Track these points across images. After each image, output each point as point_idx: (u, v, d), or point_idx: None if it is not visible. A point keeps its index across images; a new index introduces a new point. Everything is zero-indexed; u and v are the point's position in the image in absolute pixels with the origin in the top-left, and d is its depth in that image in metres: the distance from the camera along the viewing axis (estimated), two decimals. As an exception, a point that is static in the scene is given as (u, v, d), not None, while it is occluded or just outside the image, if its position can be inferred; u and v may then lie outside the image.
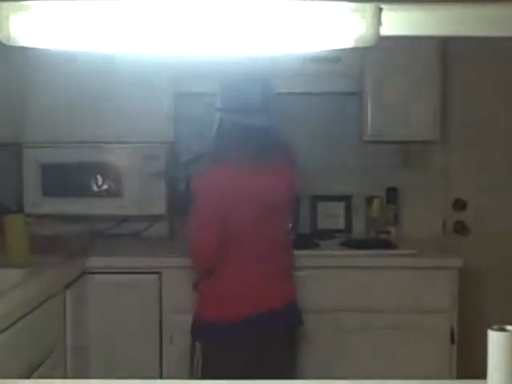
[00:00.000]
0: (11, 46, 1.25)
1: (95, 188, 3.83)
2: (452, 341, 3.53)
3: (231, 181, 2.81)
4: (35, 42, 1.23)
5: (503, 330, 1.61)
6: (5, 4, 1.13)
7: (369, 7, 1.15)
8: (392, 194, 4.03)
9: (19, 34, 1.19)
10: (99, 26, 1.18)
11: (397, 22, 1.31)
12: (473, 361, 3.41)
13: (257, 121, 2.91)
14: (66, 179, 3.82)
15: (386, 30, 1.26)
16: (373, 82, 3.79)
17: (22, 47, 1.27)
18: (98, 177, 3.83)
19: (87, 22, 1.18)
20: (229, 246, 2.84)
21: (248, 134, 2.89)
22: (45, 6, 1.15)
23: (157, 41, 1.17)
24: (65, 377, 3.07)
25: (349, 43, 1.23)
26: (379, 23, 1.21)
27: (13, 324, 2.54)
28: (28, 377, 2.61)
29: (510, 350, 1.59)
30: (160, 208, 3.83)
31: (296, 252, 3.20)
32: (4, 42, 1.18)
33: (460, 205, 4.14)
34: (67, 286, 3.24)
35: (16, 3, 1.12)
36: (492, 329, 1.61)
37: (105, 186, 3.83)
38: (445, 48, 3.81)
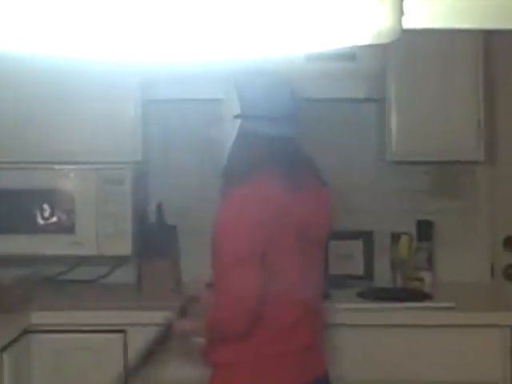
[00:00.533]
0: None
1: (41, 221, 3.85)
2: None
3: (270, 206, 2.71)
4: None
5: None
6: None
7: (388, -5, 1.19)
8: (424, 229, 4.03)
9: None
10: (56, 24, 1.22)
11: (423, 12, 1.35)
12: None
13: (287, 131, 2.85)
14: (4, 210, 3.84)
15: (410, 22, 1.29)
16: (397, 86, 3.80)
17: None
18: (46, 206, 3.84)
19: (40, 19, 1.21)
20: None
21: (280, 147, 2.81)
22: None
23: (125, 39, 1.19)
24: None
25: (365, 39, 1.26)
26: (401, 13, 1.24)
27: None
28: None
29: None
30: (125, 247, 3.85)
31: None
32: None
33: (512, 244, 4.17)
34: (4, 348, 3.25)
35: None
36: None
37: (54, 219, 3.85)
38: (490, 45, 3.83)
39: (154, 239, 3.95)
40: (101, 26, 1.15)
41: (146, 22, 1.12)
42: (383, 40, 1.26)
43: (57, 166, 3.84)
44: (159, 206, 4.02)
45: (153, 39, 1.17)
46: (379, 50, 3.50)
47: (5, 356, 3.25)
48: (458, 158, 3.91)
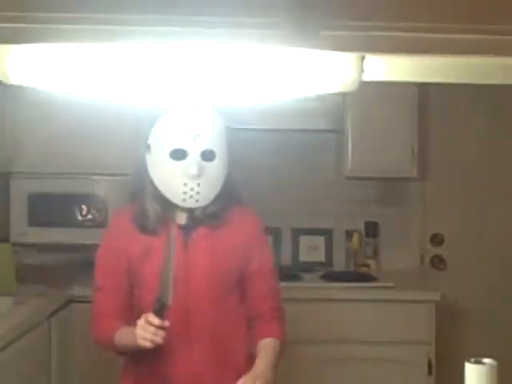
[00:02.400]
0: (3, 84, 1.28)
1: (80, 218, 3.83)
2: (429, 372, 3.54)
3: None
4: (29, 81, 1.25)
5: (480, 362, 1.62)
6: (2, 47, 1.15)
7: (353, 56, 1.18)
8: (371, 227, 4.06)
9: (14, 74, 1.22)
10: (87, 71, 1.21)
11: (377, 69, 1.35)
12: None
13: None
14: (52, 209, 3.82)
15: (368, 76, 1.29)
16: (352, 120, 3.81)
17: (14, 85, 1.29)
18: (83, 207, 3.83)
19: (74, 67, 1.20)
20: None
21: None
22: (38, 51, 1.18)
23: (144, 87, 1.19)
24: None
25: (335, 88, 1.26)
26: (362, 70, 1.24)
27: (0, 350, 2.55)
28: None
29: (486, 383, 1.61)
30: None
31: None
32: (1, 80, 1.20)
33: (437, 239, 4.17)
34: (52, 315, 3.23)
35: (13, 46, 1.14)
36: (469, 361, 1.62)
37: (89, 216, 3.83)
38: (424, 90, 3.86)
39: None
40: (123, 78, 1.15)
41: (160, 79, 1.12)
42: (348, 89, 1.27)
43: (94, 177, 3.84)
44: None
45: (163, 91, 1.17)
46: (340, 94, 3.52)
47: (53, 320, 3.24)
48: (397, 175, 3.94)
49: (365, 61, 1.24)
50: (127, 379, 2.29)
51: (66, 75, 1.17)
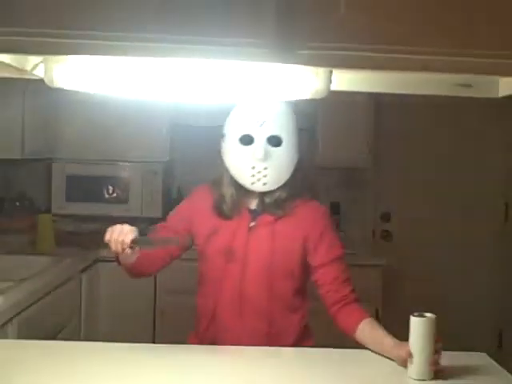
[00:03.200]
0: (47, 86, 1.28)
1: (107, 195, 3.84)
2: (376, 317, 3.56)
3: None
4: (69, 85, 1.26)
5: (423, 316, 1.63)
6: (50, 57, 1.16)
7: (322, 70, 1.20)
8: (335, 207, 4.06)
9: (58, 79, 1.23)
10: (119, 77, 1.22)
11: (343, 81, 1.36)
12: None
13: None
14: (85, 188, 3.82)
15: (335, 86, 1.31)
16: (322, 121, 3.80)
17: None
18: (110, 187, 3.84)
19: (108, 73, 1.21)
20: None
21: None
22: (79, 60, 1.19)
23: (159, 89, 1.20)
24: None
25: (306, 95, 1.28)
26: (330, 81, 1.26)
27: (40, 299, 2.55)
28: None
29: (428, 334, 1.61)
30: (157, 211, 3.84)
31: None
32: (48, 84, 1.21)
33: (386, 217, 4.20)
34: (83, 271, 3.24)
35: (58, 56, 1.15)
36: (413, 315, 1.62)
37: (114, 194, 3.84)
38: (377, 95, 3.85)
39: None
40: (145, 80, 1.16)
41: (172, 81, 1.13)
42: (318, 96, 1.28)
43: (119, 162, 3.84)
44: (179, 188, 4.01)
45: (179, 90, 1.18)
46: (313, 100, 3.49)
47: (83, 275, 3.24)
48: (356, 165, 3.95)
49: (332, 74, 1.26)
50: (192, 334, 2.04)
51: (99, 80, 1.19)
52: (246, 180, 1.90)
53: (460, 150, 4.15)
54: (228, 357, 1.81)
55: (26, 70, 1.23)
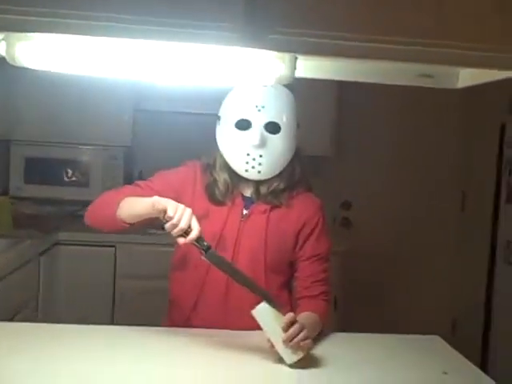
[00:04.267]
0: (6, 63, 1.26)
1: (66, 178, 3.79)
2: (335, 308, 3.60)
3: None
4: (32, 63, 1.25)
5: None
6: (12, 34, 1.14)
7: (287, 56, 1.20)
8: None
9: (21, 57, 1.21)
10: (82, 56, 1.21)
11: (307, 69, 1.37)
12: (352, 321, 3.52)
13: None
14: (44, 170, 3.77)
15: (300, 73, 1.32)
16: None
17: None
18: (69, 170, 3.79)
19: (71, 51, 1.20)
20: None
21: None
22: (41, 38, 1.17)
23: (123, 69, 1.20)
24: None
25: (271, 81, 1.29)
26: (294, 68, 1.27)
27: (-3, 282, 2.51)
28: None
29: (267, 320, 1.55)
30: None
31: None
32: (10, 62, 1.19)
33: (346, 205, 4.25)
34: (41, 254, 3.20)
35: (20, 34, 1.14)
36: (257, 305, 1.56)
37: (74, 178, 3.80)
38: (341, 85, 3.87)
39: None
40: (112, 59, 1.16)
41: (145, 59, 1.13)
42: (282, 82, 1.29)
43: (79, 146, 3.80)
44: (140, 172, 3.99)
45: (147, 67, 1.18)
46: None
47: (41, 258, 3.20)
48: (318, 154, 3.94)
49: (297, 61, 1.27)
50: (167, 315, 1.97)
51: (62, 59, 1.18)
52: (239, 167, 1.81)
53: (420, 139, 4.22)
54: (203, 338, 1.75)
55: (-13, 47, 1.20)
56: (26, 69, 1.30)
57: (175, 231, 1.59)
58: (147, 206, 1.65)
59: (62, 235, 3.46)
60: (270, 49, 1.08)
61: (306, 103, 3.87)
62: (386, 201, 4.20)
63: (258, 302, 1.64)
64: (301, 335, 1.54)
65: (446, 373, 1.62)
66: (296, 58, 1.26)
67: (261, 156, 1.78)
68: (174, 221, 1.58)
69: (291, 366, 1.55)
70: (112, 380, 1.43)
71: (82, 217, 3.97)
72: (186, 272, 1.87)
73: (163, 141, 3.99)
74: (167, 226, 1.60)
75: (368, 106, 4.12)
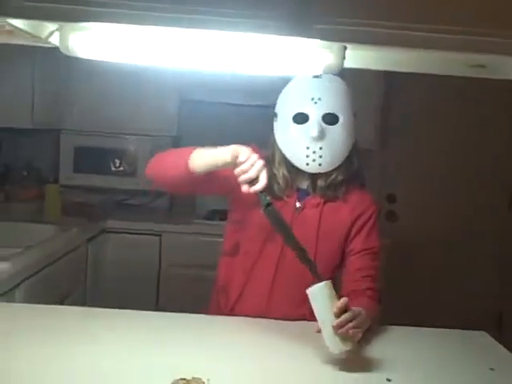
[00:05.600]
0: (61, 53, 1.28)
1: (113, 168, 3.86)
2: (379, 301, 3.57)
3: None
4: (85, 53, 1.27)
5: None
6: (66, 24, 1.17)
7: (336, 45, 1.19)
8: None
9: (75, 47, 1.23)
10: (132, 44, 1.22)
11: (356, 59, 1.36)
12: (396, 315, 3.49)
13: None
14: (92, 159, 3.84)
15: (348, 64, 1.31)
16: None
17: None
18: (116, 160, 3.85)
19: (124, 41, 1.22)
20: None
21: None
22: (95, 28, 1.19)
23: (173, 57, 1.21)
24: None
25: (319, 70, 1.28)
26: (343, 57, 1.25)
27: (47, 266, 2.58)
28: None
29: (323, 302, 1.48)
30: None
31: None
32: (63, 52, 1.22)
33: (391, 198, 4.21)
34: (89, 241, 3.27)
35: (74, 24, 1.16)
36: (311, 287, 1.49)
37: (121, 168, 3.85)
38: (387, 77, 3.81)
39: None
40: (162, 48, 1.17)
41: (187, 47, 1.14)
42: (330, 72, 1.28)
43: (127, 136, 3.85)
44: (185, 164, 4.02)
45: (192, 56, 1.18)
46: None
47: (89, 245, 3.27)
48: (362, 146, 3.90)
49: (346, 51, 1.26)
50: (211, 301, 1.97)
51: (115, 49, 1.20)
52: (300, 161, 1.78)
53: (469, 133, 4.14)
54: (246, 326, 1.76)
55: (41, 38, 1.23)
56: (78, 59, 1.32)
57: (243, 178, 1.58)
58: (225, 153, 1.63)
59: (110, 223, 3.52)
60: (318, 38, 1.07)
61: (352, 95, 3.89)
62: (432, 194, 4.14)
63: (303, 293, 1.60)
64: (352, 323, 1.48)
65: (492, 369, 1.59)
66: (345, 48, 1.25)
67: (321, 148, 1.76)
68: (245, 167, 1.58)
69: (335, 355, 1.50)
70: (148, 364, 1.45)
71: (129, 206, 4.08)
72: (236, 258, 1.87)
73: (208, 131, 4.00)
74: (237, 170, 1.60)
75: (414, 98, 4.06)
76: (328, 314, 1.47)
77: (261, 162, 1.59)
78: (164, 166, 1.81)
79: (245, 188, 1.59)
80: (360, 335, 1.56)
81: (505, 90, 3.51)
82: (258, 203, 1.60)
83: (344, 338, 1.47)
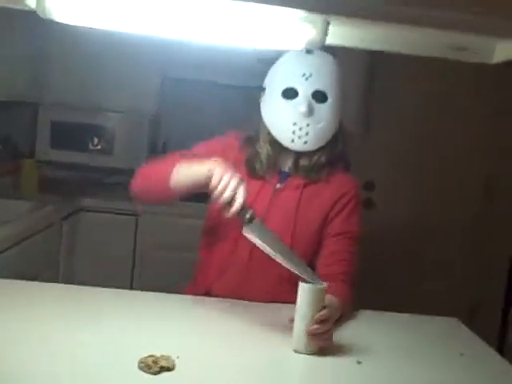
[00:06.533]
0: (42, 20, 1.25)
1: (91, 146, 3.81)
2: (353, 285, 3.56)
3: None
4: (62, 17, 1.23)
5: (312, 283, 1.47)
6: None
7: (319, 18, 1.18)
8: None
9: (52, 10, 1.20)
10: (114, 10, 1.19)
11: (338, 36, 1.34)
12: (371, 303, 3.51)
13: None
14: (70, 135, 3.78)
15: (331, 40, 1.29)
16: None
17: (51, 22, 1.26)
18: (95, 138, 3.80)
19: (106, 6, 1.19)
20: None
21: None
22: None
23: (157, 24, 1.18)
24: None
25: (300, 45, 1.26)
26: (326, 33, 1.24)
27: (19, 242, 2.54)
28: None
29: (310, 302, 1.45)
30: (141, 164, 3.81)
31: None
32: (40, 15, 1.18)
33: (369, 186, 4.21)
34: (64, 219, 3.23)
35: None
36: (302, 282, 1.47)
37: (99, 146, 3.81)
38: (370, 60, 3.78)
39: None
40: (145, 15, 1.14)
41: (171, 16, 1.11)
42: (312, 46, 1.27)
43: (106, 112, 3.80)
44: (164, 143, 3.99)
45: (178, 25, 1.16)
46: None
47: (64, 223, 3.23)
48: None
49: (329, 26, 1.24)
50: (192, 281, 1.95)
51: (93, 12, 1.16)
52: (285, 137, 1.77)
53: (451, 119, 4.15)
54: (220, 306, 1.76)
55: (18, -1, 1.19)
56: (58, 29, 1.29)
57: (220, 202, 1.52)
58: (201, 174, 1.57)
59: (86, 201, 3.48)
60: (300, 8, 1.05)
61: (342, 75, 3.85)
62: (411, 182, 4.15)
63: (280, 275, 1.63)
64: (326, 334, 1.47)
65: (462, 354, 1.60)
66: (328, 23, 1.23)
67: (308, 125, 1.74)
68: (220, 190, 1.51)
69: (295, 351, 1.48)
70: (117, 341, 1.43)
71: (106, 184, 4.03)
72: (216, 239, 1.85)
73: (190, 111, 3.98)
74: (213, 196, 1.53)
75: (397, 87, 4.06)
76: (309, 316, 1.46)
77: (235, 180, 1.52)
78: (147, 185, 1.79)
79: (226, 213, 1.52)
80: (330, 342, 1.51)
81: (485, 80, 3.52)
82: (238, 223, 1.53)
83: (311, 341, 1.46)
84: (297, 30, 1.20)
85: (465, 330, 1.82)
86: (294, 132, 1.74)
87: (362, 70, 3.77)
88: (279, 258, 1.52)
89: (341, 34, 1.27)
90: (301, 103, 1.73)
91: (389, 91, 4.08)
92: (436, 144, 4.17)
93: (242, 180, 1.53)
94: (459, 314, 1.95)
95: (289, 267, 1.51)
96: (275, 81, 1.78)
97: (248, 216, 1.51)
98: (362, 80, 3.80)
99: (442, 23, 1.08)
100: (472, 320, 3.83)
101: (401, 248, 4.15)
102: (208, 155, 1.69)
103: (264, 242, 1.52)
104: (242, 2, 1.05)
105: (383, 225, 4.02)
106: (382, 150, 4.15)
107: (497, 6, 1.11)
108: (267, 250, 1.52)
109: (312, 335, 1.45)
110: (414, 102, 4.11)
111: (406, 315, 1.90)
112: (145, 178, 1.80)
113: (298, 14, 1.10)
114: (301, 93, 1.74)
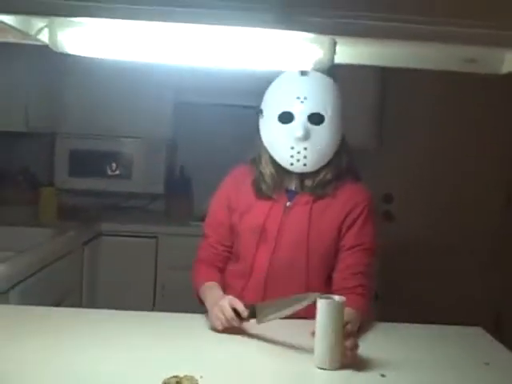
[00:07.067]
0: (54, 53, 1.27)
1: (110, 172, 3.85)
2: (376, 298, 3.53)
3: None
4: (73, 49, 1.26)
5: (329, 298, 1.48)
6: (55, 20, 1.16)
7: (326, 40, 1.19)
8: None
9: (65, 44, 1.23)
10: (125, 41, 1.22)
11: (348, 55, 1.36)
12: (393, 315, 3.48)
13: None
14: (87, 163, 3.83)
15: (339, 59, 1.30)
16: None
17: (63, 55, 1.29)
18: (113, 164, 3.84)
19: (116, 37, 1.21)
20: None
21: None
22: (84, 23, 1.19)
23: (168, 54, 1.21)
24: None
25: (308, 65, 1.28)
26: (334, 52, 1.25)
27: (42, 269, 2.56)
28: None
29: (331, 318, 1.45)
30: (159, 188, 3.85)
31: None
32: (53, 48, 1.21)
33: (388, 198, 4.20)
34: (85, 244, 3.26)
35: (64, 19, 1.15)
36: (320, 297, 1.47)
37: (117, 171, 3.85)
38: (382, 74, 3.79)
39: (177, 185, 3.96)
40: (155, 45, 1.16)
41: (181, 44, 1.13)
42: (320, 67, 1.28)
43: (122, 138, 3.84)
44: (182, 167, 4.02)
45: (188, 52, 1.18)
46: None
47: (85, 248, 3.26)
48: (360, 146, 3.88)
49: (336, 46, 1.25)
50: None
51: (104, 44, 1.19)
52: (284, 160, 1.78)
53: (466, 130, 4.13)
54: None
55: (30, 34, 1.22)
56: (71, 61, 1.32)
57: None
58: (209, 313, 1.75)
59: (105, 226, 3.51)
60: (306, 31, 1.07)
61: (347, 94, 3.87)
62: (429, 194, 4.14)
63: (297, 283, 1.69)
64: (355, 349, 1.49)
65: (487, 363, 1.58)
66: (335, 43, 1.25)
67: (305, 149, 1.74)
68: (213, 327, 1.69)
69: (319, 368, 1.47)
70: (141, 362, 1.44)
71: (124, 208, 4.05)
72: (237, 264, 1.89)
73: (204, 134, 4.01)
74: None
75: (411, 99, 4.06)
76: (329, 331, 1.45)
77: (226, 314, 1.65)
78: (193, 283, 1.98)
79: (236, 324, 1.67)
80: (356, 358, 1.51)
81: (501, 90, 3.51)
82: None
83: (336, 357, 1.45)
84: (304, 51, 1.21)
85: (489, 339, 1.81)
86: (292, 156, 1.76)
87: (375, 83, 3.77)
88: (295, 308, 1.58)
89: (349, 52, 1.29)
90: (297, 128, 1.73)
91: (401, 106, 4.08)
92: (451, 155, 4.16)
93: (231, 298, 1.67)
94: (483, 323, 1.94)
95: (306, 304, 1.55)
96: (271, 104, 1.80)
97: (250, 312, 1.64)
98: (375, 96, 3.80)
99: (451, 37, 1.10)
100: (496, 329, 3.80)
101: (422, 259, 4.13)
102: (223, 212, 1.87)
103: (277, 312, 1.60)
104: (251, 28, 1.07)
105: (402, 237, 4.01)
106: (398, 163, 4.15)
107: (504, 17, 1.12)
108: (284, 313, 1.59)
109: (351, 349, 1.46)
110: (428, 113, 4.11)
111: (428, 326, 1.90)
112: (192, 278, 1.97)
113: (305, 36, 1.12)
114: (297, 116, 1.74)
